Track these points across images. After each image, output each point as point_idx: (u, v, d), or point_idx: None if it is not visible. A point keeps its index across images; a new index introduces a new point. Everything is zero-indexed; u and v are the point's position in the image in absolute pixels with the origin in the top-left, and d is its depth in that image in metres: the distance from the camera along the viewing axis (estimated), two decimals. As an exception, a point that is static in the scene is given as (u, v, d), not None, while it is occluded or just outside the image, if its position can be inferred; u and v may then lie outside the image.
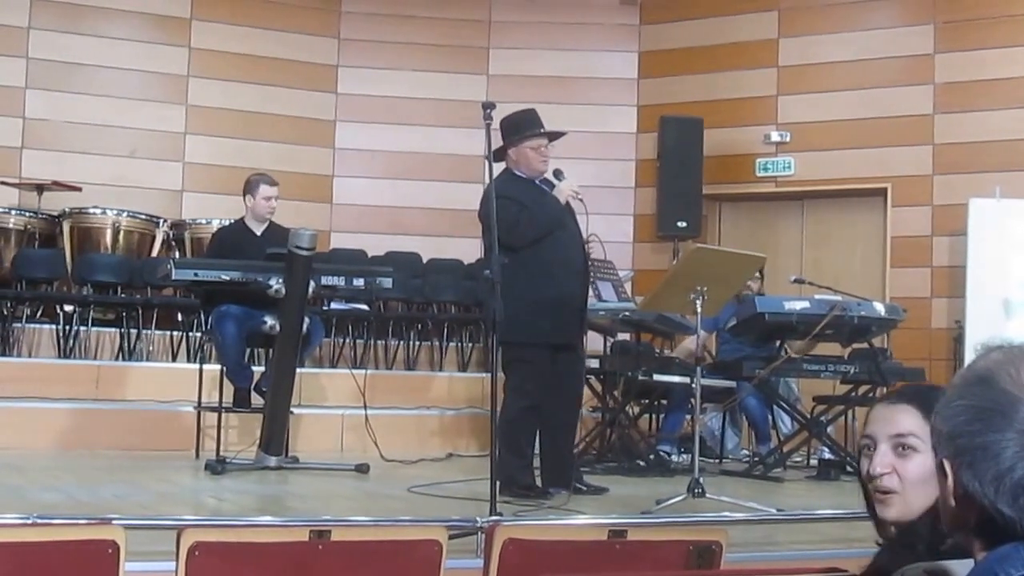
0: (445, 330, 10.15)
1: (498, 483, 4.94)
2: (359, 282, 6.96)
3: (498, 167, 6.04)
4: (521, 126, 6.08)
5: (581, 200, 6.04)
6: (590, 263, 6.36)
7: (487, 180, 5.58)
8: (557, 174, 6.10)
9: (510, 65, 11.68)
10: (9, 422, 7.45)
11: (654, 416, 8.75)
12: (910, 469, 1.99)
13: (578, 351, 6.18)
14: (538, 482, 5.91)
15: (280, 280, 6.50)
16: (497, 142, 5.84)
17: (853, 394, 8.00)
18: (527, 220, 5.84)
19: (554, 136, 6.18)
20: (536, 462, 6.03)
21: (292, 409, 7.03)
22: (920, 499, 1.97)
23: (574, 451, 6.44)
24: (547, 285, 5.83)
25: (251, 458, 6.71)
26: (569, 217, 6.08)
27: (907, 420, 2.01)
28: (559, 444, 6.06)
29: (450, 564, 3.04)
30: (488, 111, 5.32)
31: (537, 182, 6.09)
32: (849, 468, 7.51)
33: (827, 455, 7.89)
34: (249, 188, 7.31)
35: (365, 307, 9.58)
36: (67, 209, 9.78)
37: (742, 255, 6.70)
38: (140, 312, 9.27)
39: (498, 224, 5.44)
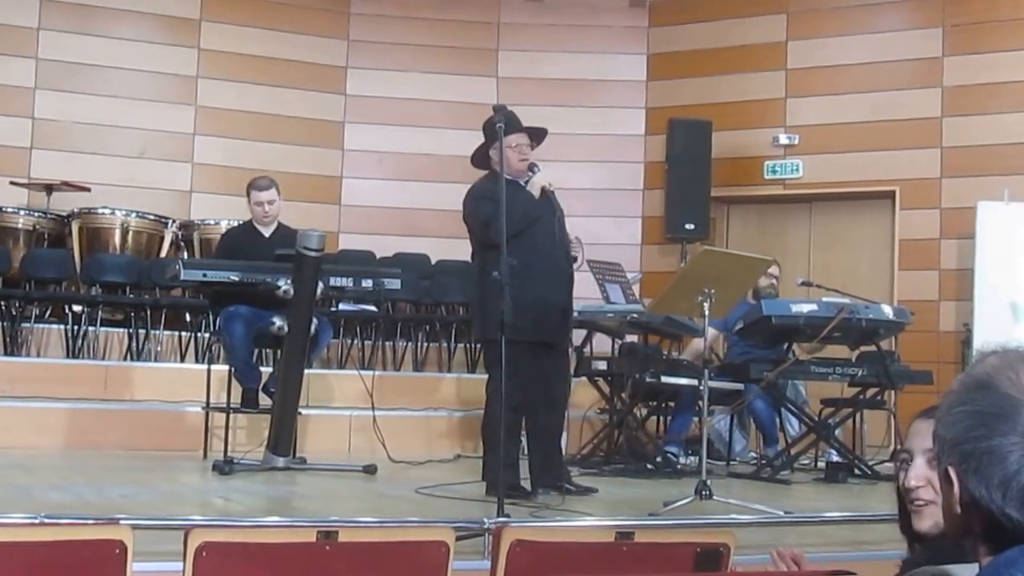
0: (453, 331, 10.14)
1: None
2: (367, 283, 6.97)
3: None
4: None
5: (552, 192, 5.95)
6: (577, 261, 6.21)
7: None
8: (531, 168, 6.01)
9: (519, 67, 11.69)
10: (17, 422, 7.47)
11: (662, 418, 8.74)
12: None
13: (562, 350, 6.15)
14: (524, 484, 5.84)
15: (288, 281, 6.51)
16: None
17: (861, 397, 8.00)
18: (499, 216, 5.73)
19: (535, 134, 6.07)
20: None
21: (300, 410, 7.04)
22: None
23: (561, 451, 6.42)
24: (523, 285, 5.57)
25: (259, 459, 6.72)
26: (547, 211, 5.95)
27: None
28: (545, 446, 6.04)
29: (457, 565, 3.04)
30: (498, 113, 5.33)
31: (522, 183, 5.97)
32: (857, 471, 7.51)
33: (835, 458, 7.88)
34: (246, 193, 7.35)
35: (373, 308, 9.58)
36: (76, 209, 9.80)
37: (750, 258, 6.70)
38: (148, 312, 9.28)
39: (476, 222, 5.59)
